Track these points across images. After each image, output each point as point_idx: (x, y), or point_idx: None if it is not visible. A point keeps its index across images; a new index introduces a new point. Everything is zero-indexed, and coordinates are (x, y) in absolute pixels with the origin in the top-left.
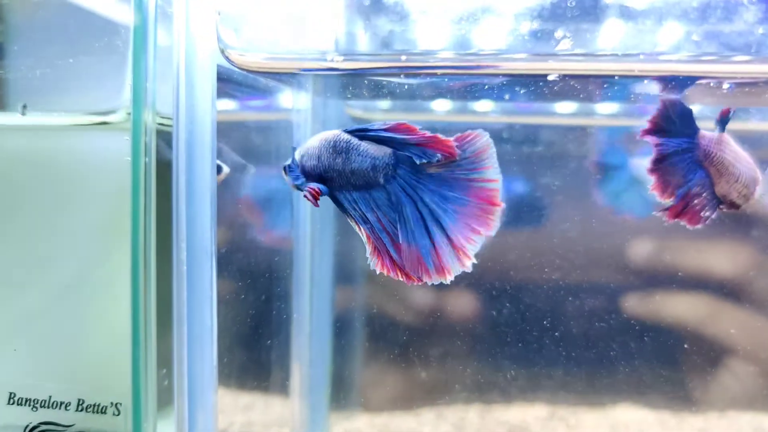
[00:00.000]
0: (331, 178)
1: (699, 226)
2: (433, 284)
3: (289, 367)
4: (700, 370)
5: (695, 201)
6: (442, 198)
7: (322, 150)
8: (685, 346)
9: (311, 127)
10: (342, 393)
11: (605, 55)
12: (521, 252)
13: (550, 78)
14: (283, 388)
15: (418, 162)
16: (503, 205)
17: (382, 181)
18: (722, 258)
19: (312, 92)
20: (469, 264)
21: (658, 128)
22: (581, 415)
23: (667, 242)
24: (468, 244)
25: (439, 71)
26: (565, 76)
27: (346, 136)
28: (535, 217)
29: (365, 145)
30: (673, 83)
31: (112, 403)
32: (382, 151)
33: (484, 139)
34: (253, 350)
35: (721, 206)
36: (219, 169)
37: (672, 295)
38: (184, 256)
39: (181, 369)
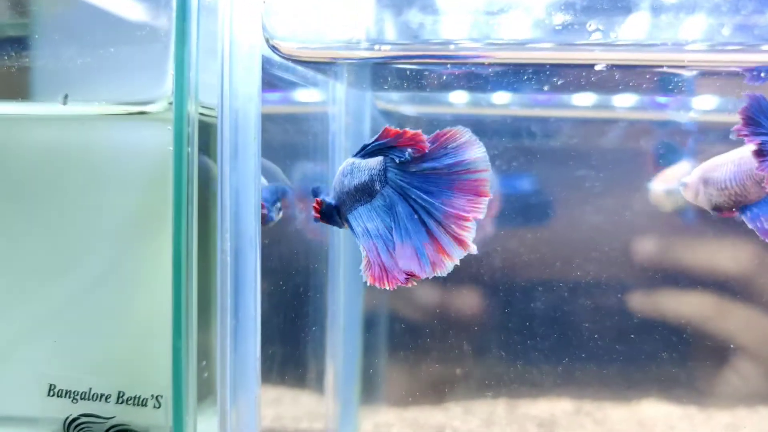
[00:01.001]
0: (344, 202)
1: None
2: (443, 278)
3: (323, 361)
4: (729, 367)
5: None
6: (428, 193)
7: (336, 181)
8: (713, 342)
9: (344, 119)
10: (371, 387)
11: (654, 44)
12: (550, 248)
13: (597, 68)
14: (312, 382)
15: (397, 161)
16: (491, 195)
17: (378, 187)
18: (743, 256)
19: (346, 83)
20: (473, 248)
21: (749, 123)
22: (607, 410)
23: (698, 239)
24: (463, 231)
25: (486, 60)
26: (612, 66)
27: (351, 159)
28: (564, 213)
29: (364, 161)
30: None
31: (152, 396)
32: (375, 161)
33: (466, 137)
34: (286, 344)
35: None
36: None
37: (699, 292)
38: (228, 246)
39: (224, 361)
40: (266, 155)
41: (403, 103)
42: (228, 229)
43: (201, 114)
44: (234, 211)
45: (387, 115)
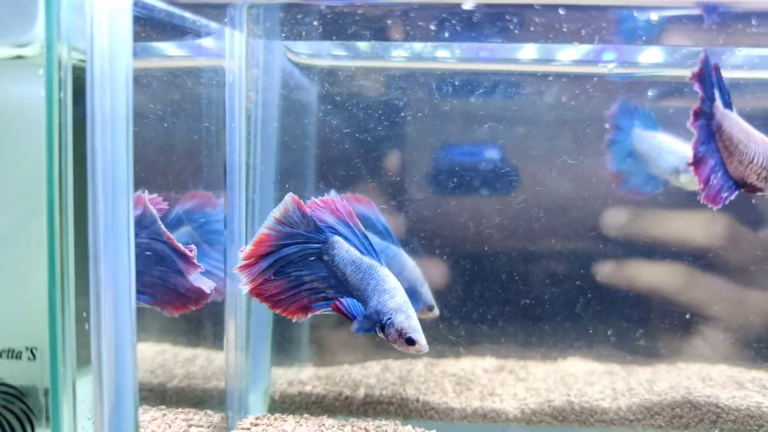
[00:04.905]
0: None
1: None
2: None
3: (221, 318)
4: (650, 326)
5: (712, 178)
6: None
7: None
8: (640, 302)
9: (245, 74)
10: (285, 346)
11: None
12: (481, 214)
13: (465, 7)
14: (218, 341)
15: None
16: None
17: None
18: (692, 227)
19: (246, 33)
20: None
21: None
22: (531, 368)
23: (621, 204)
24: None
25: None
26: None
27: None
28: (504, 182)
29: None
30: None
31: (27, 348)
32: None
33: None
34: None
35: (741, 189)
36: None
37: (629, 254)
38: (101, 194)
39: (99, 311)
40: (146, 114)
41: (321, 56)
42: (100, 177)
43: (79, 60)
44: (107, 159)
45: (302, 68)
